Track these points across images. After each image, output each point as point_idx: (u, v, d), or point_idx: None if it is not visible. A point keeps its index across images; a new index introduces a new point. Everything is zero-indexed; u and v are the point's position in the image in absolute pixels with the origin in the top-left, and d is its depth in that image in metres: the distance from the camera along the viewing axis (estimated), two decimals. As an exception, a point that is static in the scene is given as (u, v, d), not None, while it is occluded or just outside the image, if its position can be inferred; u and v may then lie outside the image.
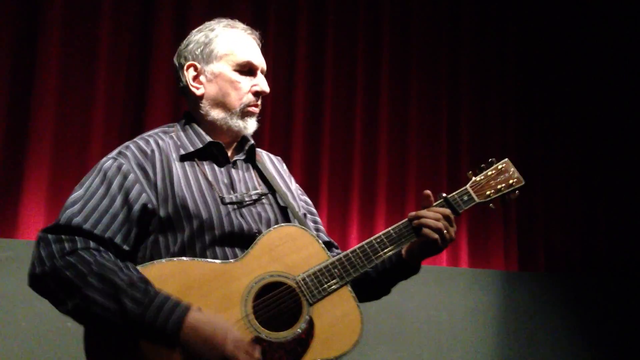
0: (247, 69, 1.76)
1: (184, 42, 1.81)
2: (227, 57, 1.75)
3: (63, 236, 1.49)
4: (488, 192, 1.79)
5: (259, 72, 1.79)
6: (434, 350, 3.67)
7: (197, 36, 1.79)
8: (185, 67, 1.77)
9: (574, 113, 4.64)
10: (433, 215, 1.68)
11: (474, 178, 1.81)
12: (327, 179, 3.72)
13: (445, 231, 1.67)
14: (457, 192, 1.77)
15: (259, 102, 1.79)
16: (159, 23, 3.35)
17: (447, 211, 1.70)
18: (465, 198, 1.77)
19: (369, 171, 3.91)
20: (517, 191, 1.82)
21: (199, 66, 1.75)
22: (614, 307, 4.25)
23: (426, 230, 1.67)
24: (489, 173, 1.81)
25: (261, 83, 1.78)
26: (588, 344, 4.14)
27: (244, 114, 1.75)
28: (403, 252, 1.75)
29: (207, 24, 1.82)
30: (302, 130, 3.72)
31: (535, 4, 4.63)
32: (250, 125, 1.77)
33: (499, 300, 3.93)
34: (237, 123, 1.74)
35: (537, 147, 4.50)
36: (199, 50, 1.76)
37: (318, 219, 1.94)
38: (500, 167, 1.82)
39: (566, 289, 4.19)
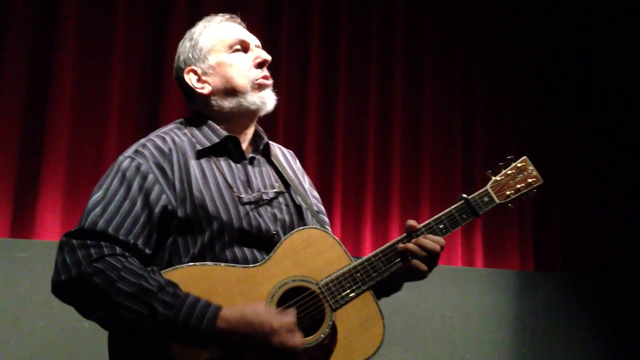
0: (241, 48, 1.73)
1: (175, 56, 1.79)
2: (217, 46, 1.72)
3: (88, 241, 1.46)
4: (508, 193, 1.77)
5: (253, 47, 1.75)
6: (449, 350, 3.65)
7: (183, 45, 1.78)
8: (184, 74, 1.73)
9: (590, 111, 4.61)
10: (431, 246, 1.65)
11: (493, 178, 1.77)
12: (340, 183, 3.72)
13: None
14: (477, 193, 1.74)
15: (267, 73, 1.74)
16: (172, 27, 3.37)
17: (442, 242, 1.67)
18: (486, 199, 1.74)
19: (383, 174, 3.90)
20: (535, 190, 1.80)
21: (196, 68, 1.72)
22: (631, 308, 4.21)
23: (414, 262, 1.64)
24: (509, 172, 1.78)
25: (259, 53, 1.74)
26: (604, 345, 4.10)
27: (256, 88, 1.70)
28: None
29: (186, 33, 1.80)
30: (315, 134, 3.72)
31: (550, 6, 4.60)
32: (268, 98, 1.72)
33: (514, 300, 3.91)
34: (253, 100, 1.70)
35: (553, 147, 4.47)
36: (190, 54, 1.74)
37: (326, 218, 1.90)
38: (519, 165, 1.79)
39: (582, 289, 4.15)
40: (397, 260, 1.65)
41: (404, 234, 1.69)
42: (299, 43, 3.75)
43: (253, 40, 1.77)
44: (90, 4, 3.21)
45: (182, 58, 1.76)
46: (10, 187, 2.95)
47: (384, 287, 1.73)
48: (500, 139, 4.32)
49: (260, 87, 1.71)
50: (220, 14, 1.79)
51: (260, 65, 1.73)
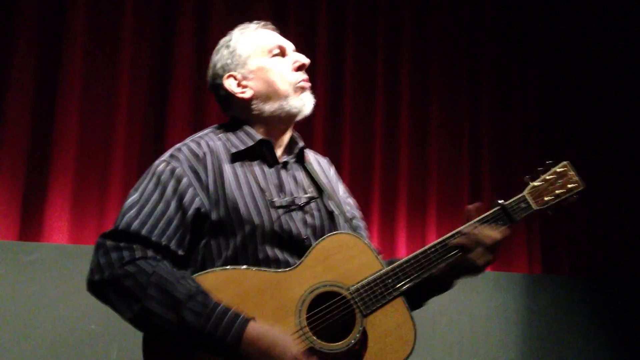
0: (280, 52, 1.77)
1: (209, 67, 1.82)
2: (256, 51, 1.75)
3: (121, 244, 1.50)
4: (547, 199, 1.71)
5: (290, 51, 1.79)
6: (456, 353, 3.64)
7: (219, 53, 1.80)
8: (224, 82, 1.75)
9: (599, 115, 4.59)
10: (489, 240, 1.63)
11: (531, 183, 1.73)
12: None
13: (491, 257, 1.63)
14: (514, 199, 1.71)
15: (306, 77, 1.77)
16: (180, 32, 3.38)
17: (499, 237, 1.64)
18: (523, 205, 1.70)
19: (389, 179, 3.89)
20: (576, 196, 1.74)
21: (236, 73, 1.75)
22: (639, 312, 4.18)
23: (473, 255, 1.63)
24: (548, 177, 1.73)
25: (298, 57, 1.78)
26: (611, 349, 4.08)
27: (297, 91, 1.74)
28: (436, 271, 1.69)
29: (220, 42, 1.82)
30: (322, 138, 3.71)
31: (557, 10, 4.59)
32: (307, 101, 1.75)
33: (522, 303, 3.89)
34: (294, 103, 1.73)
35: (561, 150, 4.45)
36: (228, 61, 1.76)
37: (361, 223, 1.91)
38: (559, 170, 1.74)
39: (591, 292, 4.13)
40: (430, 266, 1.64)
41: (435, 242, 1.67)
42: (306, 47, 3.73)
43: (290, 45, 1.81)
44: (97, 8, 3.22)
45: (219, 65, 1.78)
46: (18, 191, 2.96)
47: (438, 285, 1.73)
48: (508, 142, 4.31)
49: (299, 90, 1.74)
50: (255, 22, 1.83)
51: (299, 69, 1.76)
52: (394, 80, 4.01)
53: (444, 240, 1.66)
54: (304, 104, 1.74)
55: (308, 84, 1.76)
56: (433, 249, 1.65)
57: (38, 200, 2.99)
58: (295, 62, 1.76)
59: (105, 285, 1.47)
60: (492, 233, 1.65)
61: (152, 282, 1.44)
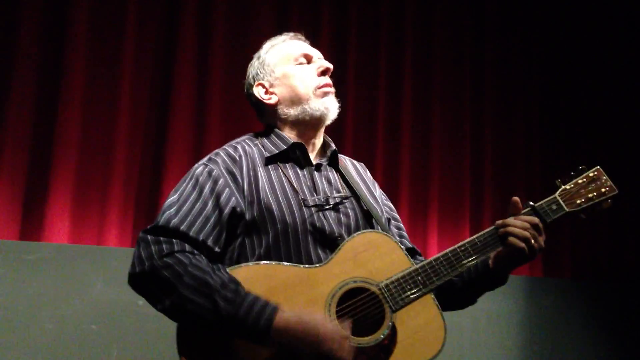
0: (305, 60, 1.86)
1: (245, 78, 1.93)
2: (282, 60, 1.86)
3: (161, 238, 1.58)
4: (578, 201, 1.74)
5: (316, 59, 1.88)
6: (457, 356, 3.63)
7: (252, 65, 1.92)
8: (254, 89, 1.87)
9: (601, 117, 4.59)
10: (520, 224, 1.65)
11: (563, 186, 1.76)
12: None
13: (533, 241, 1.64)
14: (545, 200, 1.74)
15: (330, 82, 1.85)
16: (182, 34, 3.38)
17: (535, 220, 1.67)
18: (554, 207, 1.73)
19: (391, 179, 3.89)
20: (609, 200, 1.76)
21: (264, 82, 1.86)
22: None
23: (512, 239, 1.64)
24: (580, 181, 1.76)
25: (322, 62, 1.86)
26: (612, 353, 4.07)
27: (319, 95, 1.81)
28: (490, 261, 1.73)
29: (255, 54, 1.94)
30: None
31: (560, 13, 4.58)
32: (331, 105, 1.82)
33: (523, 306, 3.89)
34: (316, 106, 1.80)
35: (563, 152, 4.45)
36: (258, 71, 1.88)
37: (401, 225, 1.97)
38: (591, 175, 1.77)
39: (591, 296, 4.12)
40: (461, 263, 1.65)
41: (465, 240, 1.69)
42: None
43: (316, 53, 1.90)
44: (99, 10, 3.22)
45: (251, 75, 1.90)
46: (20, 190, 2.97)
47: (491, 279, 1.76)
48: (510, 144, 4.31)
49: (322, 94, 1.81)
50: (285, 33, 1.94)
51: (322, 74, 1.85)
52: (396, 81, 4.01)
53: (474, 239, 1.68)
54: (326, 107, 1.81)
55: (331, 89, 1.83)
56: (463, 248, 1.67)
57: (39, 200, 2.99)
58: (318, 67, 1.84)
59: (145, 276, 1.54)
60: (519, 223, 1.66)
61: (188, 272, 1.51)
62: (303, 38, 1.94)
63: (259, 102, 1.87)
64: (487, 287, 1.80)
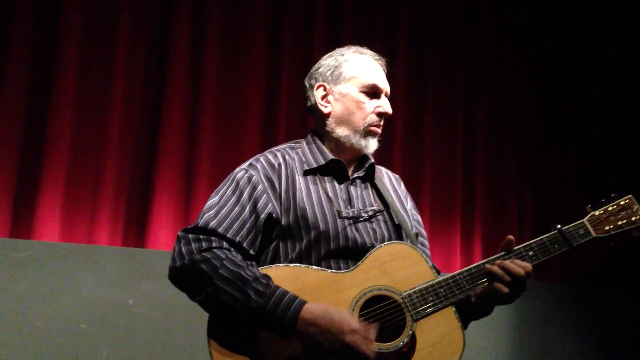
0: (372, 91, 1.89)
1: (316, 65, 1.96)
2: (354, 79, 1.88)
3: (201, 236, 1.67)
4: (607, 228, 1.75)
5: (382, 95, 1.91)
6: None
7: (328, 60, 1.94)
8: (315, 87, 1.91)
9: (594, 120, 4.60)
10: (516, 270, 1.69)
11: (592, 212, 1.78)
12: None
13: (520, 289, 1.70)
14: (573, 224, 1.76)
15: (382, 123, 1.90)
16: (175, 32, 3.38)
17: (529, 268, 1.71)
18: (582, 232, 1.75)
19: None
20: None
21: (327, 86, 1.90)
22: (629, 321, 4.20)
23: (498, 285, 1.69)
24: (610, 208, 1.77)
25: (385, 105, 1.89)
26: (600, 358, 4.09)
27: (367, 133, 1.86)
28: (473, 295, 1.77)
29: (337, 49, 1.96)
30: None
31: (555, 14, 4.61)
32: (371, 145, 1.88)
33: (512, 310, 3.89)
34: (359, 142, 1.86)
35: (555, 155, 4.47)
36: (329, 72, 1.90)
37: (426, 241, 2.01)
38: (622, 202, 1.78)
39: (581, 301, 4.14)
40: (482, 281, 1.70)
41: (497, 254, 1.73)
42: (302, 47, 3.74)
43: (385, 89, 1.93)
44: (93, 8, 3.22)
45: (320, 70, 1.93)
46: (10, 188, 2.96)
47: (474, 311, 1.82)
48: (502, 147, 4.33)
49: (369, 133, 1.87)
50: (372, 52, 1.96)
51: (379, 115, 1.89)
52: (389, 82, 4.01)
53: (498, 257, 1.72)
54: (367, 145, 1.87)
55: (378, 130, 1.89)
56: (487, 264, 1.71)
57: (29, 198, 2.98)
58: (378, 107, 1.88)
59: (185, 270, 1.63)
60: (517, 269, 1.70)
61: (224, 265, 1.61)
62: (384, 64, 1.96)
63: (312, 101, 1.91)
64: (471, 318, 1.85)
